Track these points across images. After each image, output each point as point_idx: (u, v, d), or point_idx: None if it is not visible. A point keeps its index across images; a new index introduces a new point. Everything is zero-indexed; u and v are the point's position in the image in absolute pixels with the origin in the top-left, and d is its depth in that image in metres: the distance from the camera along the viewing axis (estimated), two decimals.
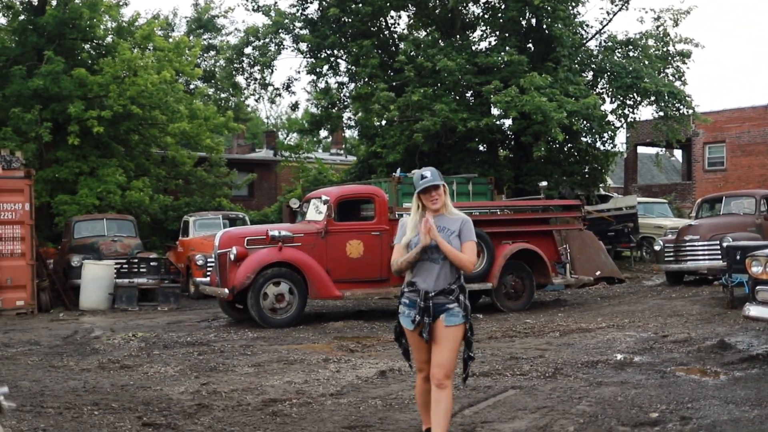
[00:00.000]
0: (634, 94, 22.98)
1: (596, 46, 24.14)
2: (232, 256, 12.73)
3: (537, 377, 7.84)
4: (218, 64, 29.97)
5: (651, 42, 23.86)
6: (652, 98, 22.72)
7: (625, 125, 25.28)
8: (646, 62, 23.04)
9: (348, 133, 35.17)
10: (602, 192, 27.17)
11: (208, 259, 16.98)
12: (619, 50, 23.76)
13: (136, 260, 17.26)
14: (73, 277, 17.22)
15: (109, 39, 23.55)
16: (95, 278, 16.50)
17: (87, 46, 23.53)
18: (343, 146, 40.59)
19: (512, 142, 24.37)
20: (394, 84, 22.70)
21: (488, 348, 9.79)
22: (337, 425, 6.19)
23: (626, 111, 24.00)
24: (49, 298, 16.48)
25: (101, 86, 21.05)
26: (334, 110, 26.14)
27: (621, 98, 23.36)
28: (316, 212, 13.52)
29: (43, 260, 17.04)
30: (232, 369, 8.85)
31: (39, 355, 10.13)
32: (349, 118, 27.50)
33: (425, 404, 5.27)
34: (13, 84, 20.53)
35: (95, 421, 6.41)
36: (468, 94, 22.88)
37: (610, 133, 23.19)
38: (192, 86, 29.99)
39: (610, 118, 23.44)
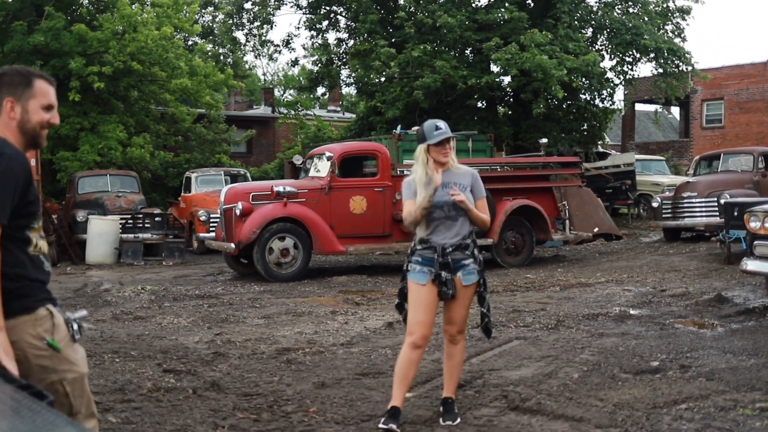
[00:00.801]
0: (634, 51, 23.02)
1: (596, 2, 24.11)
2: (237, 212, 12.92)
3: (540, 329, 8.09)
4: (217, 19, 29.81)
5: None
6: (652, 55, 22.77)
7: (623, 82, 25.35)
8: (646, 18, 23.03)
9: (345, 90, 35.16)
10: (600, 149, 27.32)
11: (211, 215, 17.17)
12: (619, 6, 23.74)
13: (140, 215, 17.44)
14: (78, 232, 17.41)
15: None
16: (101, 233, 16.69)
17: (86, 2, 23.45)
18: (341, 103, 40.57)
19: (511, 100, 24.45)
20: (393, 40, 22.71)
21: (490, 302, 10.02)
22: (351, 372, 6.43)
23: (625, 68, 24.06)
24: (55, 252, 16.67)
25: (101, 42, 21.01)
26: (332, 67, 26.14)
27: (620, 55, 23.41)
28: (318, 169, 13.68)
29: (49, 215, 17.20)
30: (243, 320, 9.09)
31: None
32: (348, 76, 27.52)
33: (406, 376, 4.99)
34: (13, 40, 20.48)
35: (117, 367, 6.65)
36: (468, 51, 22.91)
37: (608, 90, 23.30)
38: (191, 42, 29.89)
39: (609, 75, 23.51)
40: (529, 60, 19.41)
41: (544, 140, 17.09)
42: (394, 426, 4.88)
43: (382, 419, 4.98)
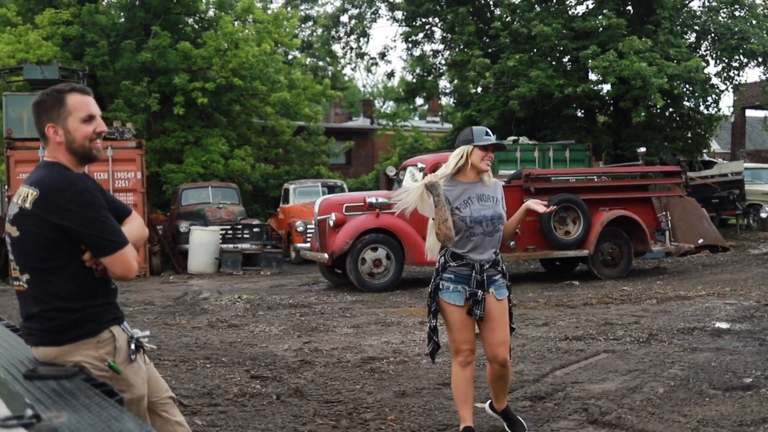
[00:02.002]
0: (740, 56, 22.20)
1: (699, 6, 23.42)
2: (331, 223, 13.14)
3: (630, 342, 7.91)
4: (315, 33, 30.42)
5: (759, 0, 22.96)
6: (760, 59, 21.92)
7: (730, 88, 24.47)
8: (753, 22, 22.21)
9: (444, 100, 35.21)
10: (706, 158, 26.44)
11: (308, 226, 17.50)
12: (724, 10, 22.94)
13: (240, 226, 17.94)
14: (181, 242, 18.05)
15: (210, 13, 24.30)
16: (202, 243, 17.27)
17: (190, 20, 24.36)
18: (439, 114, 40.62)
19: (611, 108, 23.97)
20: (489, 50, 22.64)
21: (582, 314, 9.88)
22: (432, 382, 6.46)
23: (731, 73, 23.22)
24: (159, 262, 17.35)
25: (204, 59, 21.79)
26: (429, 78, 26.24)
27: (726, 60, 22.61)
28: (412, 179, 13.77)
29: (154, 226, 17.90)
30: (332, 329, 9.24)
31: (153, 314, 10.79)
32: (445, 86, 27.58)
33: (467, 395, 4.85)
34: (123, 58, 21.45)
35: (208, 372, 6.89)
36: (565, 60, 22.62)
37: (714, 96, 22.50)
38: (290, 57, 30.58)
39: (714, 81, 22.73)
40: (628, 67, 19.00)
41: (642, 149, 16.71)
42: None
43: None
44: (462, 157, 4.77)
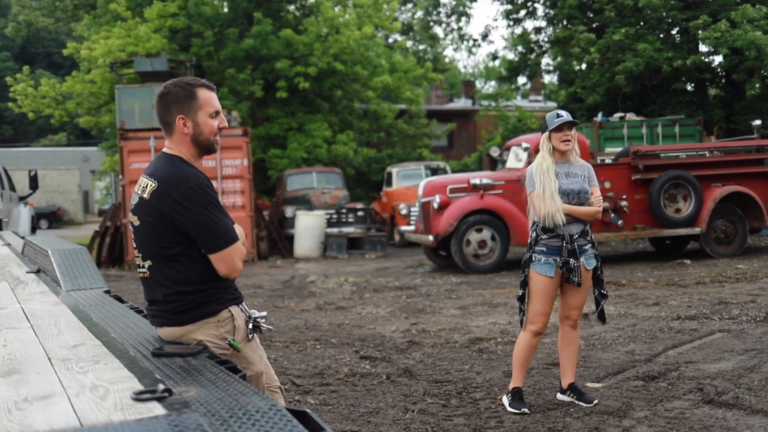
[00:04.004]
0: None
1: None
2: (435, 205, 13.18)
3: (747, 321, 7.67)
4: (416, 16, 30.40)
5: None
6: None
7: None
8: None
9: (547, 78, 34.66)
10: None
11: (412, 208, 17.58)
12: None
13: (344, 210, 18.19)
14: (287, 227, 18.44)
15: None
16: (307, 228, 17.60)
17: (292, 8, 24.71)
18: (542, 92, 39.98)
19: (723, 80, 23.05)
20: (594, 25, 22.10)
21: (695, 293, 9.62)
22: (541, 362, 6.44)
23: None
24: (267, 247, 17.79)
25: (306, 45, 22.08)
26: (531, 56, 25.84)
27: None
28: (516, 159, 13.65)
29: (260, 212, 18.35)
30: (439, 311, 9.30)
31: (263, 297, 11.10)
32: (548, 64, 27.08)
33: (527, 360, 5.26)
34: (227, 47, 21.98)
35: (318, 353, 7.06)
36: (673, 32, 21.84)
37: None
38: (391, 40, 30.65)
39: None
40: (741, 37, 18.22)
41: (758, 122, 16.01)
42: (526, 410, 5.08)
43: (508, 401, 5.20)
44: (546, 146, 5.13)
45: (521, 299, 5.21)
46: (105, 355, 2.80)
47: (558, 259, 5.01)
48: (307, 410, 2.06)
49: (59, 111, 23.66)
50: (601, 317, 5.35)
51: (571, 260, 5.00)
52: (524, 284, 5.16)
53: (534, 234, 5.12)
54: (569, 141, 5.08)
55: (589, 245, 5.13)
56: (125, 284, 13.18)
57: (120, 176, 17.15)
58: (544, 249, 5.04)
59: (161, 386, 2.14)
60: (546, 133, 5.11)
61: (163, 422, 1.76)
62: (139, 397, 2.10)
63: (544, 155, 5.12)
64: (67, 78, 23.49)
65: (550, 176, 5.04)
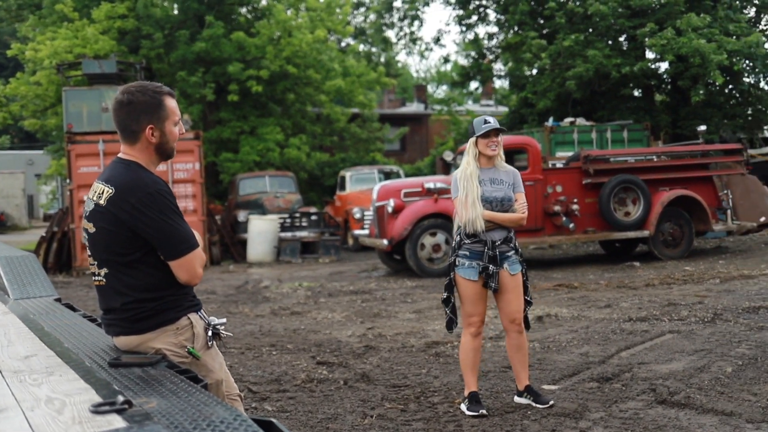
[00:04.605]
0: None
1: None
2: (389, 209, 13.19)
3: (695, 322, 7.81)
4: (368, 19, 30.43)
5: None
6: None
7: None
8: None
9: (498, 83, 34.96)
10: (767, 134, 25.78)
11: (366, 212, 17.59)
12: None
13: (297, 215, 18.12)
14: (239, 231, 18.29)
15: (263, 2, 24.45)
16: (261, 232, 17.47)
17: (243, 10, 24.56)
18: (494, 97, 40.32)
19: (669, 87, 23.51)
20: (544, 32, 22.36)
21: (645, 295, 9.78)
22: (497, 365, 6.48)
23: None
24: (219, 252, 17.61)
25: (258, 48, 21.97)
26: (483, 61, 26.04)
27: None
28: None
29: (212, 216, 18.17)
30: (395, 315, 9.31)
31: (217, 303, 10.99)
32: (499, 69, 27.32)
33: (475, 364, 5.30)
34: (178, 50, 21.75)
35: (274, 359, 7.01)
36: (621, 39, 22.22)
37: None
38: (344, 44, 30.64)
39: None
40: (686, 45, 18.60)
41: (703, 127, 16.39)
42: (484, 411, 5.12)
43: (466, 406, 5.20)
44: (472, 151, 5.20)
45: (445, 302, 5.30)
46: (59, 366, 2.74)
47: (480, 264, 5.11)
48: (273, 420, 2.04)
49: (3, 113, 23.19)
50: (525, 323, 5.39)
51: (491, 266, 5.09)
52: (448, 287, 5.26)
53: (458, 238, 5.22)
54: (496, 147, 5.16)
55: (513, 252, 5.23)
56: (74, 291, 12.94)
57: (67, 180, 16.85)
58: (467, 253, 5.15)
59: (120, 398, 2.10)
60: (473, 138, 5.19)
61: None
62: (98, 410, 2.05)
63: (469, 160, 5.20)
64: (11, 80, 23.00)
65: (473, 182, 5.13)
